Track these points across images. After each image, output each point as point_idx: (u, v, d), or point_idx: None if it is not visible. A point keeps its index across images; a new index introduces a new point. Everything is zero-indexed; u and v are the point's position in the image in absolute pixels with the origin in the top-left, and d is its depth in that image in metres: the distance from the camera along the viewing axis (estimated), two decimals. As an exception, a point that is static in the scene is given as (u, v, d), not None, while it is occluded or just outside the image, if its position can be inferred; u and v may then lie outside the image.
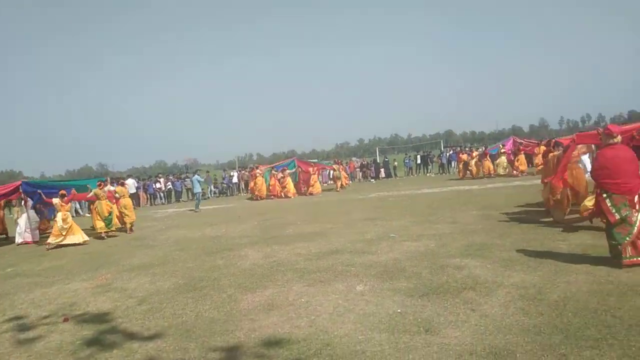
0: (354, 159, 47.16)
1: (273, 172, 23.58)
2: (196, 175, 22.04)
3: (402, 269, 6.44)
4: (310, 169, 24.17)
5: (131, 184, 23.92)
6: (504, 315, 4.40)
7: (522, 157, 23.13)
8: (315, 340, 4.20)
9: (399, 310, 4.78)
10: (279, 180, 22.88)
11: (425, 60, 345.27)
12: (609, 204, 5.62)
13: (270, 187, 22.95)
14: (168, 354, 4.25)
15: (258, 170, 23.51)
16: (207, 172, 32.00)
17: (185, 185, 27.73)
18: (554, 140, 11.36)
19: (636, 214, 5.56)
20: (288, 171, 23.53)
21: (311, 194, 22.97)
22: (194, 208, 19.67)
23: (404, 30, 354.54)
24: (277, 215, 14.62)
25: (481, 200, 13.70)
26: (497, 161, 24.21)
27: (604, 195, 5.69)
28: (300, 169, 24.67)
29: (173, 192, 27.54)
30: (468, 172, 24.93)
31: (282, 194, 22.62)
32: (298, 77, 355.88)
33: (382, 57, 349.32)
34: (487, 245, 7.41)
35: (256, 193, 22.76)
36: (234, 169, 34.71)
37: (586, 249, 6.63)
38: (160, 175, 30.23)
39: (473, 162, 24.84)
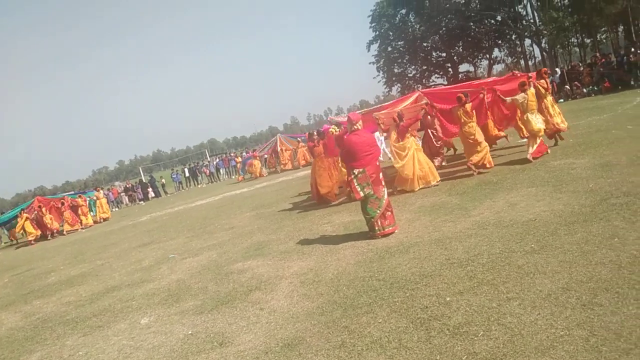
0: (116, 183, 43.75)
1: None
2: None
3: (187, 288, 6.21)
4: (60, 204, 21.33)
5: None
6: (290, 305, 4.64)
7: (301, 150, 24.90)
8: (102, 395, 3.72)
9: (190, 332, 4.59)
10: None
11: (177, 75, 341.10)
12: (355, 184, 6.39)
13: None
14: None
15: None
16: None
17: None
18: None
19: (383, 189, 6.46)
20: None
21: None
22: None
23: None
24: (33, 265, 12.50)
25: (252, 202, 14.21)
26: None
27: (352, 175, 6.46)
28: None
29: None
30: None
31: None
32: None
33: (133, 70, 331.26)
34: (265, 243, 7.72)
35: None
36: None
37: (347, 226, 7.49)
38: None
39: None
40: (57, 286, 8.60)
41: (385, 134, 10.84)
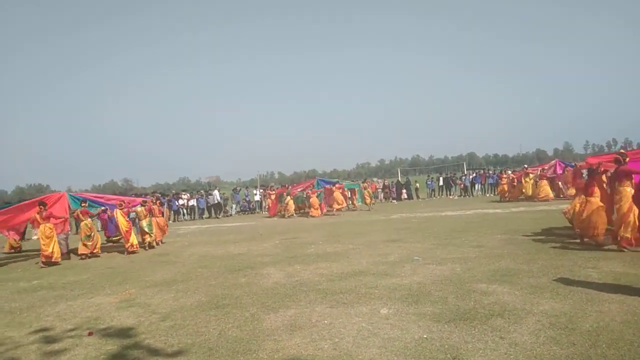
0: (374, 179, 47.00)
1: (307, 191, 24.85)
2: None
3: (427, 293, 6.33)
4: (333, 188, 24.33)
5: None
6: (534, 344, 4.27)
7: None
8: (340, 364, 4.13)
9: (425, 336, 4.68)
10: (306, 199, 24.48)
11: (448, 81, 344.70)
12: None
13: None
14: (191, 372, 4.23)
15: (272, 192, 26.13)
16: (235, 189, 32.33)
17: (208, 202, 28.03)
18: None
19: None
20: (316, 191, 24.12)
21: (332, 211, 23.23)
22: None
23: (429, 44, 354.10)
24: (298, 235, 14.60)
25: (506, 224, 13.45)
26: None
27: None
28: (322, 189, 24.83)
29: (196, 209, 27.79)
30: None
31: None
32: (319, 95, 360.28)
33: (404, 75, 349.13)
34: (515, 271, 7.24)
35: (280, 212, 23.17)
36: (256, 187, 34.99)
37: (618, 278, 6.43)
38: (184, 192, 30.68)
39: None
40: (315, 257, 9.83)
41: None
